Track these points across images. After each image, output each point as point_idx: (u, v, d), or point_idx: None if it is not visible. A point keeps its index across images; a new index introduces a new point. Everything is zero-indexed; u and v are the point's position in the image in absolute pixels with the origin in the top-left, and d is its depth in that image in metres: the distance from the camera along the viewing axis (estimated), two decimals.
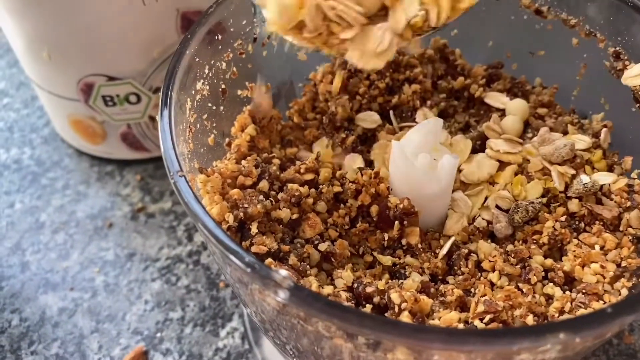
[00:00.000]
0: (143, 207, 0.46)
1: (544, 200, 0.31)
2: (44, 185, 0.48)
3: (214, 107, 0.32)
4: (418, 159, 0.30)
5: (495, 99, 0.35)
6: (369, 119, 0.35)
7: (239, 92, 0.34)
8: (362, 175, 0.31)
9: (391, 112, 0.35)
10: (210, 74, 0.31)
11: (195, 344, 0.39)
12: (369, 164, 0.34)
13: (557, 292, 0.27)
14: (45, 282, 0.42)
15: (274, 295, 0.21)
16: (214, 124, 0.32)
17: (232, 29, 0.32)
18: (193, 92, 0.29)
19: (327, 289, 0.26)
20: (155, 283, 0.42)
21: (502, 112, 0.35)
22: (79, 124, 0.45)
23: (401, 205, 0.30)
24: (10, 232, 0.45)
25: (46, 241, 0.44)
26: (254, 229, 0.28)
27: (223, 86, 0.32)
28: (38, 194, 0.47)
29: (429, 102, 0.36)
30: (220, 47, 0.31)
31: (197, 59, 0.29)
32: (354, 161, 0.33)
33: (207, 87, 0.31)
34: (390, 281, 0.28)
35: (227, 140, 0.33)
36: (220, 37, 0.31)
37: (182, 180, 0.23)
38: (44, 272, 0.43)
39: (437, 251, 0.30)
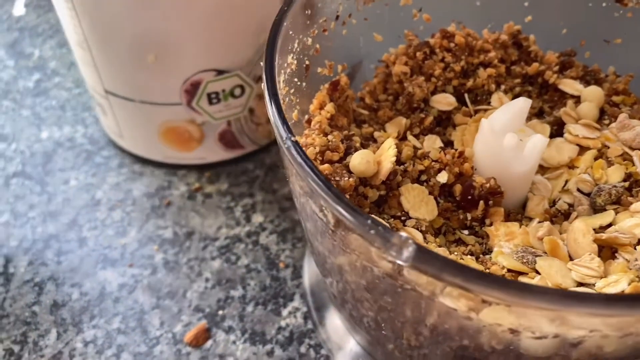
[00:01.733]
0: (200, 187, 0.46)
1: (626, 184, 0.31)
2: (99, 163, 0.48)
3: (299, 83, 0.32)
4: (505, 139, 0.30)
5: (570, 85, 0.35)
6: (444, 101, 0.35)
7: (319, 69, 0.34)
8: (445, 154, 0.31)
9: (466, 95, 0.36)
10: (298, 49, 0.31)
11: (258, 322, 0.39)
12: (446, 145, 0.34)
13: None
14: (103, 257, 0.42)
15: (397, 256, 0.21)
16: (298, 100, 0.32)
17: (319, 5, 0.32)
18: (285, 64, 0.30)
19: None
20: (215, 262, 0.42)
21: (577, 99, 0.35)
22: (172, 131, 0.43)
23: (487, 185, 0.30)
24: (66, 209, 0.45)
25: (103, 218, 0.44)
26: None
27: (307, 62, 0.32)
28: (93, 172, 0.47)
29: (503, 87, 0.36)
30: (308, 22, 0.31)
31: (290, 32, 0.29)
32: (433, 142, 0.33)
33: (295, 62, 0.31)
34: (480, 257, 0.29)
35: (306, 117, 0.33)
36: (310, 12, 0.31)
37: (295, 144, 0.23)
38: (102, 248, 0.43)
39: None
